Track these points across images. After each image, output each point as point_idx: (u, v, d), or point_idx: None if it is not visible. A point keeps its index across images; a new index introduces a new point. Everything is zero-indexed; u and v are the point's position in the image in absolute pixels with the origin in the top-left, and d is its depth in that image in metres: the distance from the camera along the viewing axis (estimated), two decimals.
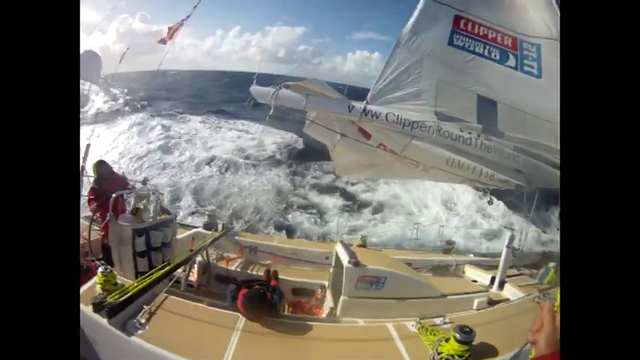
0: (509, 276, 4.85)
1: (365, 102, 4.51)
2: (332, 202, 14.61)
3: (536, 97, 4.45)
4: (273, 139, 21.46)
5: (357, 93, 4.69)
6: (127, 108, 27.95)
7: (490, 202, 5.00)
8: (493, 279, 4.84)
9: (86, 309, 2.80)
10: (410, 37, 4.56)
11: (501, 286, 4.69)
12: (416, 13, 4.54)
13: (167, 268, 3.54)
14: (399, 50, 4.62)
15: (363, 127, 4.65)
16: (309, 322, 3.29)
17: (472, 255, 6.48)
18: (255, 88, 4.47)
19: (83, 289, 3.12)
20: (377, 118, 4.43)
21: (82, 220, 5.48)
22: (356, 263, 3.80)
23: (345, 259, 3.94)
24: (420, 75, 4.60)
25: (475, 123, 4.51)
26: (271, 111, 4.33)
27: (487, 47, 4.61)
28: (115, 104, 28.16)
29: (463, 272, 5.51)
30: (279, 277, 4.80)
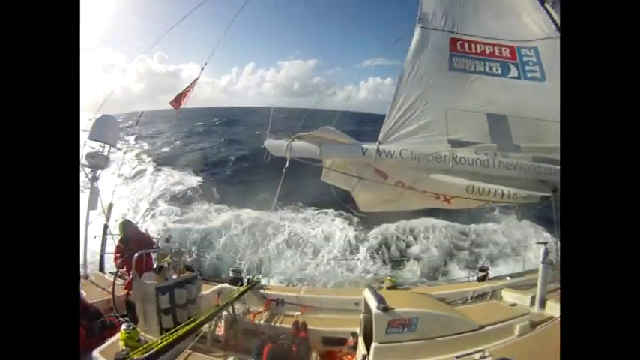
0: (550, 292, 4.44)
1: (378, 142, 4.51)
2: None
3: (545, 100, 4.35)
4: None
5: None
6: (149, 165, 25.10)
7: (520, 219, 4.73)
8: (534, 298, 4.45)
9: None
10: (411, 71, 4.66)
11: (542, 304, 4.29)
12: (412, 45, 4.67)
13: (192, 324, 3.49)
14: (402, 86, 4.70)
15: (379, 167, 4.61)
16: None
17: (508, 277, 5.98)
18: (269, 143, 4.55)
19: (106, 344, 3.17)
20: (391, 157, 4.39)
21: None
22: (385, 308, 3.64)
23: (373, 304, 3.79)
24: (427, 106, 4.61)
25: (489, 143, 4.41)
26: (287, 164, 4.39)
27: (487, 63, 4.65)
28: (137, 163, 25.32)
29: (501, 297, 5.08)
30: (309, 327, 4.60)
